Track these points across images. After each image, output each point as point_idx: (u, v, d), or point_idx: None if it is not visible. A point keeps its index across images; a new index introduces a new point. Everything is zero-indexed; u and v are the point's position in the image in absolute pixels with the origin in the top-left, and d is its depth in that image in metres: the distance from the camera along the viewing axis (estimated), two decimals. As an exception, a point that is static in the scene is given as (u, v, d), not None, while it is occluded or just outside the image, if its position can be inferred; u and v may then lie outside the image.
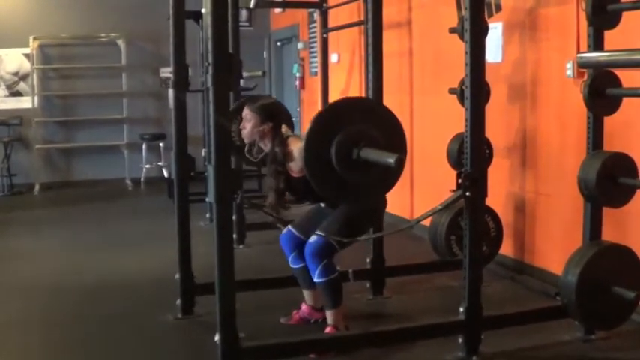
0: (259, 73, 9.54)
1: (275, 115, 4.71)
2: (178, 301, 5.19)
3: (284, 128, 4.75)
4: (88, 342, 4.93)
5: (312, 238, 4.59)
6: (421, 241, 7.22)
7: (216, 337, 3.83)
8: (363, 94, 7.21)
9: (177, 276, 5.18)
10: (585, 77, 4.43)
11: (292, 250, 4.89)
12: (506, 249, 6.20)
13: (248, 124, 4.67)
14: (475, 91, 4.17)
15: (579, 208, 4.71)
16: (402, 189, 8.17)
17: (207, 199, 3.78)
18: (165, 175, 11.95)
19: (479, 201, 4.21)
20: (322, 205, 4.84)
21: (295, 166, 4.58)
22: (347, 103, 4.25)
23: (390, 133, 3.94)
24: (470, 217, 4.19)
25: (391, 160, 3.62)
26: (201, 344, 4.71)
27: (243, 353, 3.85)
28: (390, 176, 4.01)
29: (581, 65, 4.48)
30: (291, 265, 4.95)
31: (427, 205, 6.06)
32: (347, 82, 9.79)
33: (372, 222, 5.01)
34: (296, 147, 4.55)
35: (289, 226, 4.94)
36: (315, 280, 4.60)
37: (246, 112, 4.70)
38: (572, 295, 4.33)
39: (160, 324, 5.15)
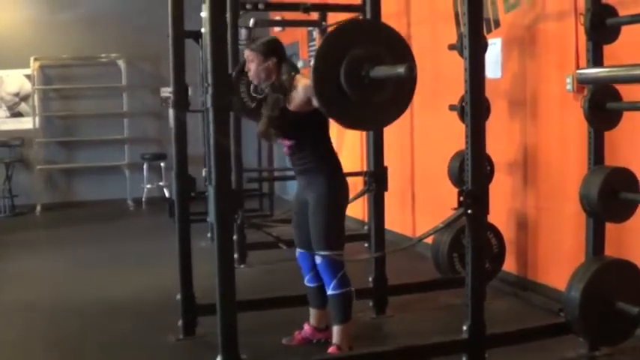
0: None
1: (277, 50, 4.66)
2: (180, 322, 5.16)
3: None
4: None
5: (317, 260, 4.61)
6: (424, 259, 7.19)
7: (218, 359, 3.81)
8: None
9: (178, 297, 5.14)
10: (585, 92, 4.43)
11: (310, 269, 4.86)
12: (509, 265, 6.18)
13: (252, 64, 4.61)
14: (475, 107, 4.16)
15: (582, 223, 4.69)
16: (404, 207, 8.16)
17: (208, 219, 3.75)
18: (167, 194, 11.94)
19: (481, 218, 4.19)
20: (297, 157, 4.72)
21: (296, 98, 4.51)
22: (354, 25, 4.12)
23: (396, 51, 3.81)
24: (472, 235, 4.17)
25: (401, 69, 3.53)
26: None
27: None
28: (402, 94, 3.91)
29: (581, 81, 4.48)
30: (307, 284, 4.94)
31: (429, 222, 6.04)
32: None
33: (344, 196, 4.76)
34: (302, 81, 4.51)
35: (297, 248, 4.92)
36: (329, 292, 4.61)
37: (248, 53, 4.64)
38: (575, 312, 4.31)
39: (162, 345, 5.12)
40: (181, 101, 5.03)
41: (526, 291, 6.08)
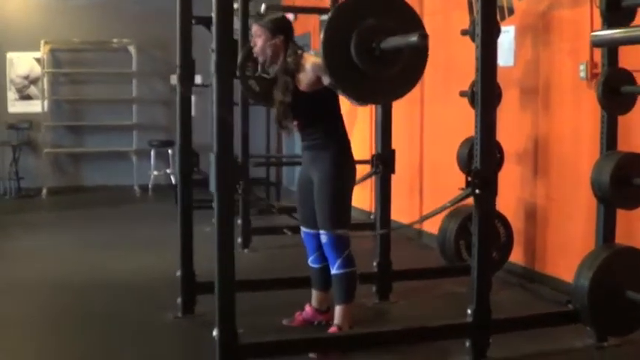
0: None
1: (285, 28, 4.60)
2: (179, 300, 5.09)
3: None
4: (87, 339, 4.87)
5: (323, 239, 4.55)
6: (430, 250, 7.14)
7: (215, 333, 3.73)
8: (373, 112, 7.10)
9: (178, 273, 5.08)
10: (599, 76, 4.34)
11: (315, 250, 4.79)
12: (517, 256, 6.09)
13: (259, 39, 4.56)
14: (486, 87, 4.08)
15: (592, 214, 4.61)
16: (412, 198, 8.07)
17: (210, 189, 3.67)
18: (173, 181, 11.86)
19: (488, 199, 4.09)
20: (306, 132, 4.68)
21: (305, 78, 4.46)
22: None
23: (407, 23, 3.68)
24: (479, 216, 4.07)
25: (414, 37, 3.42)
26: (200, 342, 4.60)
27: (241, 350, 3.75)
28: (414, 66, 3.78)
29: (596, 44, 4.33)
30: (310, 264, 4.87)
31: (437, 215, 5.98)
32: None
33: (353, 171, 4.72)
34: (310, 60, 4.45)
35: (302, 227, 4.86)
36: (333, 272, 4.55)
37: (256, 28, 4.59)
38: (584, 300, 4.23)
39: (160, 322, 5.07)
40: (186, 76, 4.95)
41: (533, 282, 5.97)
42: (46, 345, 4.83)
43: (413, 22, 3.75)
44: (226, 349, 3.70)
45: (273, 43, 4.53)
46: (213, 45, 3.57)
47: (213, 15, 3.61)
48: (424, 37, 3.43)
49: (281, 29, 4.56)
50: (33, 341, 4.90)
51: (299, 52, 4.56)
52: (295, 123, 4.64)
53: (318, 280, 4.86)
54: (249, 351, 3.82)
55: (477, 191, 4.01)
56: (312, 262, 4.85)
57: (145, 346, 4.71)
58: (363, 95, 3.92)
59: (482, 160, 4.03)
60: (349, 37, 3.62)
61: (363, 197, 8.41)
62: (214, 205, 3.70)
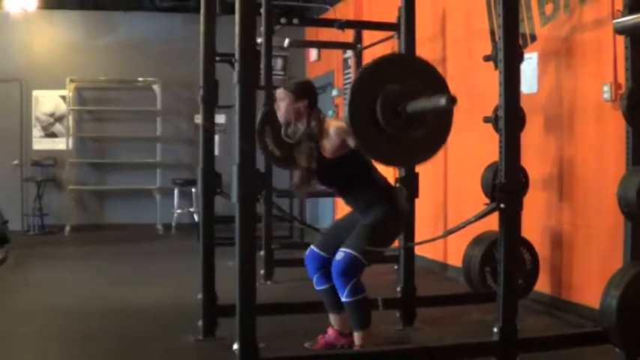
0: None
1: (309, 93, 4.59)
2: (200, 323, 5.05)
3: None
4: (106, 360, 4.84)
5: (339, 256, 4.41)
6: (455, 282, 7.08)
7: (235, 347, 3.67)
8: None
9: (199, 296, 5.04)
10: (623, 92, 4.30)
11: (317, 270, 4.72)
12: (543, 285, 5.99)
13: (282, 102, 4.56)
14: (510, 107, 4.04)
15: (619, 239, 4.53)
16: (436, 231, 7.99)
17: (232, 200, 3.63)
18: (196, 220, 11.85)
19: (514, 213, 4.02)
20: (348, 199, 4.66)
21: (329, 144, 4.43)
22: (387, 60, 4.00)
23: (431, 84, 3.73)
24: (505, 230, 4.00)
25: (442, 100, 3.43)
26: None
27: (262, 364, 3.68)
28: (440, 127, 3.84)
29: (618, 31, 4.28)
30: (316, 288, 4.78)
31: (461, 247, 5.92)
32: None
33: (400, 227, 4.73)
34: (333, 125, 4.43)
35: (311, 246, 4.80)
36: (343, 299, 4.42)
37: (280, 92, 4.59)
38: (612, 319, 4.14)
39: (181, 345, 5.04)
40: (210, 96, 4.96)
41: (560, 311, 5.86)
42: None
43: (437, 83, 3.81)
44: (247, 363, 3.63)
45: (297, 108, 4.53)
46: (236, 55, 3.56)
47: (236, 27, 3.60)
48: (452, 100, 3.45)
49: (305, 93, 4.57)
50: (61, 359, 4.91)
51: (322, 116, 4.55)
52: (332, 190, 4.67)
53: (331, 303, 4.75)
54: (271, 366, 3.76)
55: (502, 205, 3.94)
56: (317, 284, 4.76)
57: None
58: (392, 159, 4.00)
59: (507, 174, 3.98)
60: (375, 101, 3.65)
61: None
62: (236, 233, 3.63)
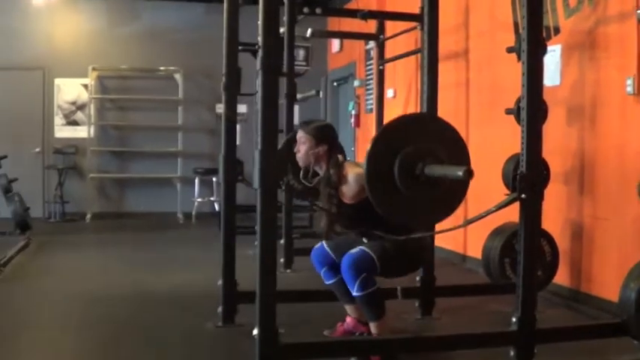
0: (313, 92, 9.47)
1: (330, 137, 4.61)
2: (220, 309, 5.07)
3: (340, 157, 4.61)
4: (130, 346, 4.87)
5: (354, 250, 4.38)
6: (474, 273, 7.08)
7: (255, 332, 3.68)
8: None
9: (219, 282, 5.06)
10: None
11: (323, 265, 4.76)
12: (562, 278, 5.98)
13: (303, 146, 4.58)
14: (532, 97, 4.03)
15: (640, 232, 4.52)
16: (455, 222, 7.97)
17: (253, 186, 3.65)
18: (217, 209, 11.89)
19: (535, 203, 4.02)
20: (364, 240, 4.60)
21: (348, 191, 4.46)
22: (408, 120, 4.11)
23: (452, 148, 3.83)
24: (525, 221, 4.00)
25: (460, 172, 3.51)
26: (239, 350, 4.60)
27: (282, 350, 3.69)
28: (455, 193, 3.95)
29: None
30: (325, 282, 4.81)
31: (481, 239, 5.91)
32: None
33: (411, 266, 4.69)
34: (352, 171, 4.45)
35: (323, 242, 4.81)
36: (354, 294, 4.37)
37: (301, 135, 4.61)
38: (631, 311, 4.12)
39: (200, 331, 5.06)
40: (232, 84, 4.97)
41: (579, 303, 5.85)
42: (92, 350, 4.84)
43: (458, 147, 3.98)
44: (266, 349, 3.64)
45: (317, 152, 4.56)
46: (259, 42, 3.57)
47: (260, 14, 3.61)
48: (469, 173, 3.57)
49: (326, 138, 4.58)
50: (80, 346, 4.92)
51: (340, 159, 4.57)
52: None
53: (342, 294, 4.75)
54: (290, 351, 3.77)
55: (523, 196, 3.94)
56: (325, 278, 4.78)
57: (184, 353, 4.69)
58: (407, 218, 4.11)
59: (528, 165, 3.97)
60: (392, 163, 3.75)
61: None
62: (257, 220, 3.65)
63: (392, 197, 3.78)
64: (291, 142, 4.81)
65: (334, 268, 4.61)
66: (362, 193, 4.29)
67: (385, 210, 3.90)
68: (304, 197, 4.98)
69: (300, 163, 4.66)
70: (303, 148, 4.58)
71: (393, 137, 3.83)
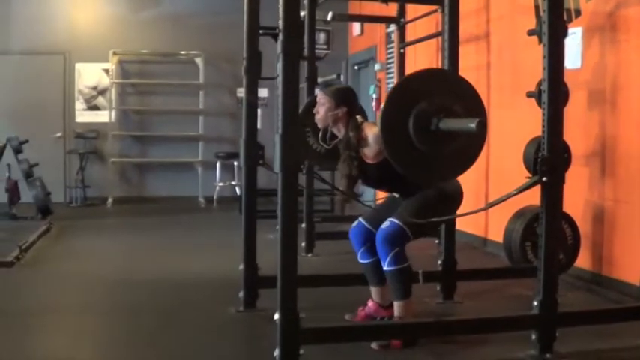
0: (334, 76, 9.48)
1: (350, 100, 4.59)
2: (241, 293, 5.09)
3: (359, 118, 4.61)
4: (148, 330, 4.91)
5: (385, 224, 4.42)
6: (495, 257, 7.07)
7: (276, 316, 3.69)
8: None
9: (241, 266, 5.08)
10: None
11: (363, 243, 4.73)
12: (583, 262, 5.97)
13: (322, 107, 4.57)
14: (553, 80, 4.01)
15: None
16: (477, 205, 7.96)
17: (274, 170, 3.65)
18: (238, 193, 11.91)
19: (556, 187, 4.00)
20: (396, 195, 4.67)
21: (369, 152, 4.46)
22: (423, 75, 4.05)
23: (468, 103, 3.80)
24: (546, 204, 3.99)
25: (472, 124, 3.49)
26: (261, 336, 4.59)
27: (303, 334, 3.70)
28: (471, 147, 3.92)
29: None
30: (360, 260, 4.80)
31: (502, 223, 5.90)
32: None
33: (449, 209, 4.67)
34: (371, 132, 4.43)
35: (360, 219, 4.81)
36: (385, 268, 4.43)
37: (321, 96, 4.60)
38: (653, 295, 4.11)
39: (221, 315, 5.09)
40: (253, 68, 4.98)
41: (600, 287, 5.84)
42: (114, 334, 4.89)
43: (473, 101, 3.94)
44: (288, 333, 3.66)
45: (336, 114, 4.55)
46: (280, 25, 3.57)
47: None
48: (483, 125, 3.56)
49: (345, 101, 4.57)
50: (102, 330, 4.98)
51: (359, 121, 4.56)
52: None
53: (373, 276, 4.77)
54: (311, 335, 3.78)
55: (545, 179, 3.93)
56: (361, 257, 4.78)
57: (206, 337, 4.71)
58: (422, 175, 4.12)
59: (549, 148, 3.96)
60: (408, 117, 3.77)
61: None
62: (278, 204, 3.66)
63: (408, 153, 3.80)
64: (311, 105, 4.82)
65: (372, 248, 4.60)
66: (383, 153, 4.32)
67: (401, 166, 3.93)
68: (322, 164, 4.96)
69: (319, 125, 4.67)
70: (322, 110, 4.58)
71: (407, 93, 3.83)
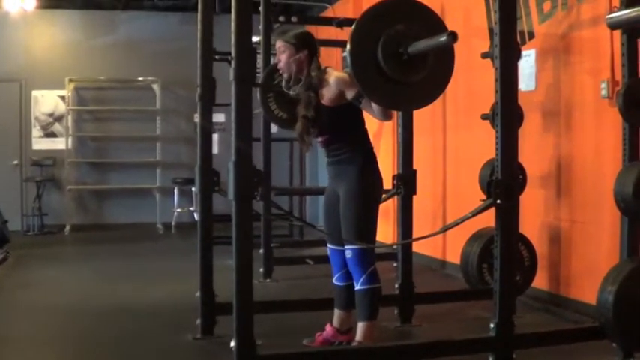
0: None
1: (309, 42, 4.61)
2: (198, 321, 5.04)
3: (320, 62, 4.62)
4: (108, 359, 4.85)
5: (347, 254, 4.49)
6: (454, 279, 7.08)
7: (232, 344, 3.66)
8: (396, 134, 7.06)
9: (197, 294, 5.04)
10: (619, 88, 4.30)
11: (341, 267, 4.73)
12: (541, 282, 6.01)
13: (283, 55, 4.58)
14: (506, 102, 4.04)
15: (617, 234, 4.53)
16: (434, 228, 8.00)
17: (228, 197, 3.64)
18: (197, 219, 11.83)
19: (510, 210, 4.03)
20: (331, 149, 4.64)
21: (328, 93, 4.48)
22: (385, 5, 3.99)
23: (432, 28, 3.74)
24: (501, 226, 4.01)
25: (443, 38, 3.46)
26: (218, 361, 4.55)
27: (259, 361, 3.67)
28: (442, 71, 3.88)
29: (612, 26, 4.28)
30: (335, 282, 4.80)
31: (460, 244, 5.92)
32: (380, 125, 9.63)
33: (379, 188, 4.68)
34: (334, 74, 4.46)
35: (328, 244, 4.82)
36: (358, 287, 4.47)
37: (280, 44, 4.61)
38: (608, 314, 4.14)
39: (179, 343, 5.03)
40: (207, 94, 4.97)
41: (558, 307, 5.87)
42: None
43: (438, 27, 3.80)
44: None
45: (297, 58, 4.55)
46: (232, 52, 3.57)
47: (232, 23, 3.61)
48: (454, 36, 3.46)
49: (305, 44, 4.58)
50: (58, 358, 4.94)
51: (323, 67, 4.58)
52: (320, 140, 4.64)
53: (341, 299, 4.78)
54: (268, 363, 3.75)
55: (499, 201, 3.95)
56: (336, 279, 4.78)
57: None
58: (393, 102, 4.00)
59: (503, 170, 3.98)
60: (376, 42, 3.68)
61: (385, 230, 8.34)
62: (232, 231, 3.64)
63: (377, 80, 3.73)
64: (272, 73, 4.87)
65: (349, 273, 4.61)
66: (341, 98, 4.40)
67: (371, 93, 3.88)
68: (288, 126, 4.95)
69: (283, 73, 4.66)
70: (283, 57, 4.58)
71: (375, 20, 3.77)
